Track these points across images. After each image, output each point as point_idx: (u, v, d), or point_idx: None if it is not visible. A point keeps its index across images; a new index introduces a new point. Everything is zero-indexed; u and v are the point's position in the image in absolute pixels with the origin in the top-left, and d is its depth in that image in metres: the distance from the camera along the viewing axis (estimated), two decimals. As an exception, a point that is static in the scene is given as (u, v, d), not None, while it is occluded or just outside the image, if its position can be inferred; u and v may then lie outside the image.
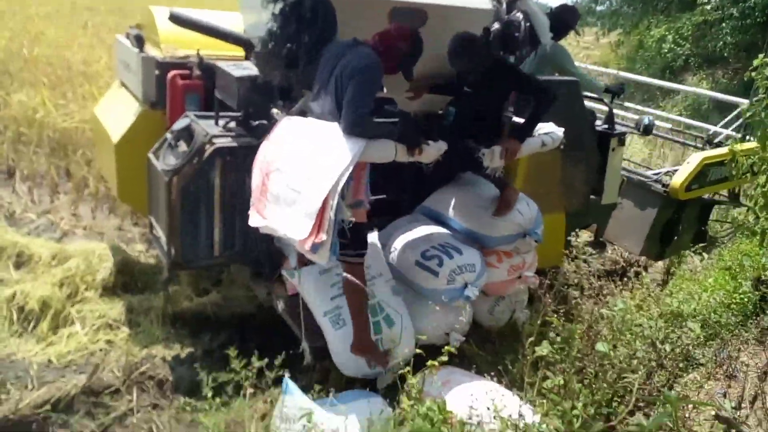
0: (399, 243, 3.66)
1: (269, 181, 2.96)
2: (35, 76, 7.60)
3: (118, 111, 4.37)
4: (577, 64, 5.40)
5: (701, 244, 4.77)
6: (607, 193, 4.63)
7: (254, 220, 3.04)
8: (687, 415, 2.74)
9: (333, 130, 2.89)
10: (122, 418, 3.27)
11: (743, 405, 2.77)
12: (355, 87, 2.84)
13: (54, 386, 3.35)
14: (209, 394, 2.43)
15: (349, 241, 2.93)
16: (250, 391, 2.71)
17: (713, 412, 2.66)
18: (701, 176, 4.87)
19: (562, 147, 3.74)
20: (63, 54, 8.87)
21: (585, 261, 3.48)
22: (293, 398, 2.86)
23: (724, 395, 2.91)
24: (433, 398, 2.55)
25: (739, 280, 3.73)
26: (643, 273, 4.10)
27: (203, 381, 2.65)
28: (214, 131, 3.42)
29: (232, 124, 3.53)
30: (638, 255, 5.18)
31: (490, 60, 3.47)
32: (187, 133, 3.45)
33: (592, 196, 4.58)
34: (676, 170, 5.07)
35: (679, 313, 3.37)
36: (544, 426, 2.47)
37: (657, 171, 5.44)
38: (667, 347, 3.06)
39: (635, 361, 2.90)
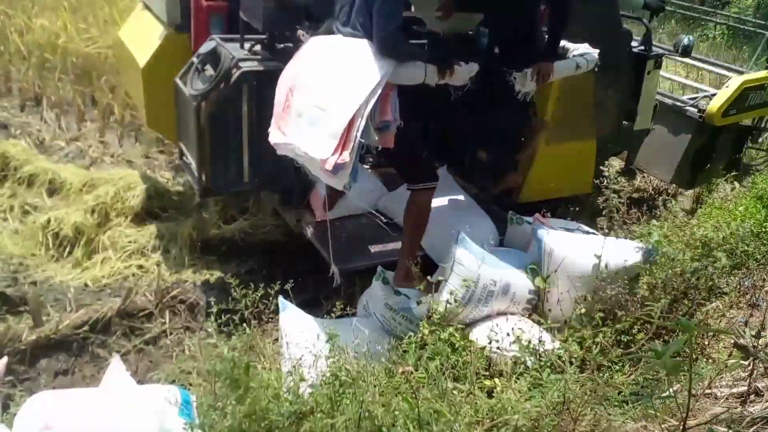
0: None
1: (293, 98, 2.90)
2: (56, -1, 7.49)
3: (143, 34, 4.30)
4: None
5: (734, 173, 4.65)
6: (641, 118, 4.47)
7: (274, 136, 2.98)
8: (707, 343, 2.76)
9: (363, 47, 2.81)
10: (156, 340, 3.43)
11: (763, 333, 2.77)
12: (380, 2, 2.74)
13: (91, 309, 3.50)
14: (213, 325, 2.51)
15: (411, 171, 3.00)
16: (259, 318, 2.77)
17: (732, 340, 2.67)
18: (740, 101, 4.66)
19: (596, 69, 3.61)
20: (82, -24, 8.68)
21: (615, 191, 3.42)
22: (288, 314, 2.96)
23: (745, 323, 2.91)
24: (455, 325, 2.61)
25: (771, 209, 3.64)
26: (672, 201, 4.02)
27: (214, 311, 2.69)
28: (240, 55, 3.35)
29: (258, 47, 3.44)
30: (669, 183, 5.07)
31: None
32: (214, 57, 3.39)
33: (624, 122, 4.44)
34: (714, 94, 4.85)
35: (707, 242, 3.32)
36: (562, 351, 2.52)
37: (693, 95, 5.21)
38: (692, 276, 3.04)
39: (657, 290, 2.91)
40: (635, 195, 5.28)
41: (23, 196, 4.36)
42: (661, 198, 4.94)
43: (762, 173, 4.77)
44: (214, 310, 2.58)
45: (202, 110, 3.25)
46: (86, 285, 3.74)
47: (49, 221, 4.04)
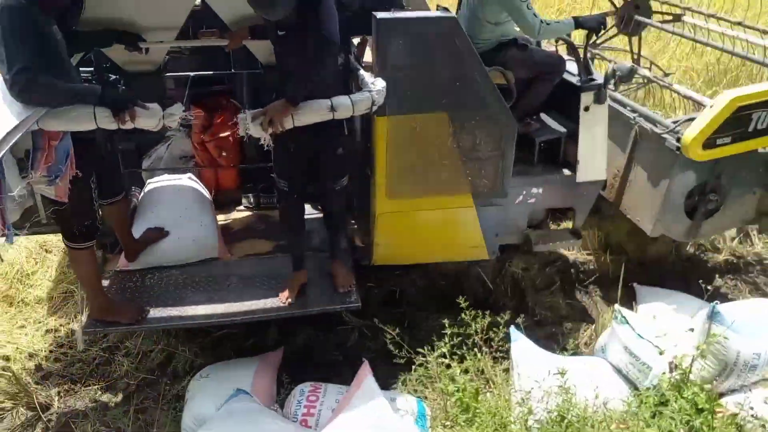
0: None
1: None
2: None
3: None
4: None
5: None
6: (584, 167, 3.43)
7: None
8: None
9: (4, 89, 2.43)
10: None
11: None
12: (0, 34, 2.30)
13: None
14: (447, 346, 2.69)
15: (68, 226, 2.70)
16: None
17: None
18: (737, 124, 3.17)
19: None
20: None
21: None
22: (520, 345, 3.02)
23: None
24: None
25: None
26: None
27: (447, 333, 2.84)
28: None
29: None
30: (650, 235, 3.56)
31: None
32: None
33: (567, 172, 3.46)
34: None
35: None
36: None
37: (676, 118, 3.65)
38: None
39: None
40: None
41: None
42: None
43: None
44: (447, 332, 2.78)
45: None
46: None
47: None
